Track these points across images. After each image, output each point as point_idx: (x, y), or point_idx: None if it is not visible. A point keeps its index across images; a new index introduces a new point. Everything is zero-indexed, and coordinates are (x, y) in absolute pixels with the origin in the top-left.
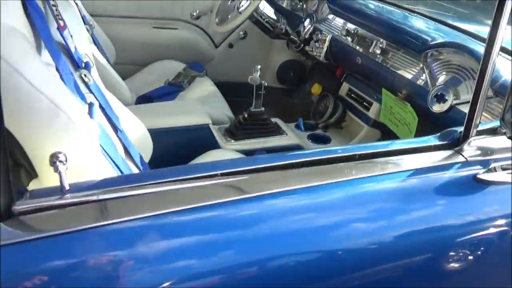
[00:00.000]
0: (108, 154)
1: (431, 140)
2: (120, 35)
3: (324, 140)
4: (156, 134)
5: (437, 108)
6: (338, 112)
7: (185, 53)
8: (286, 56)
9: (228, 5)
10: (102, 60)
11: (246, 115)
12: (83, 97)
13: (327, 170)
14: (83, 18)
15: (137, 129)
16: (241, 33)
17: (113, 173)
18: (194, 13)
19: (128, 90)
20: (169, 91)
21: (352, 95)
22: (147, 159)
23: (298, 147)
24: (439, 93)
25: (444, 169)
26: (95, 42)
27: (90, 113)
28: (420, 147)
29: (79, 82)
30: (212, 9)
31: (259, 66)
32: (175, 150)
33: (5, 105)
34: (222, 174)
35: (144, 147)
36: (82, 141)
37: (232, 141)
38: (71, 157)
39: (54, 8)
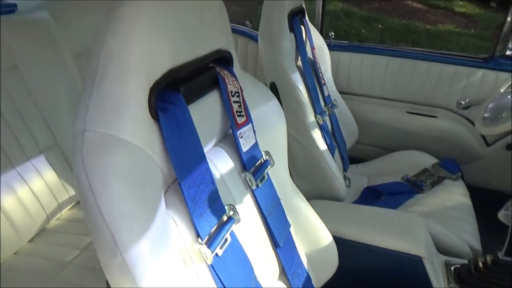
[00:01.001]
0: (221, 281)
1: None
2: (367, 115)
3: None
4: (352, 246)
5: None
6: None
7: (441, 147)
8: None
9: (506, 99)
10: (322, 146)
11: (489, 261)
12: (218, 211)
13: None
14: (325, 98)
15: (319, 239)
16: None
17: None
18: (463, 102)
19: (343, 185)
20: (404, 190)
21: None
22: (326, 275)
23: None
24: None
25: None
26: (332, 122)
27: (221, 229)
28: None
29: (238, 186)
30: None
31: None
32: (372, 272)
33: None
34: None
35: (324, 262)
36: None
37: None
38: None
39: (236, 104)
